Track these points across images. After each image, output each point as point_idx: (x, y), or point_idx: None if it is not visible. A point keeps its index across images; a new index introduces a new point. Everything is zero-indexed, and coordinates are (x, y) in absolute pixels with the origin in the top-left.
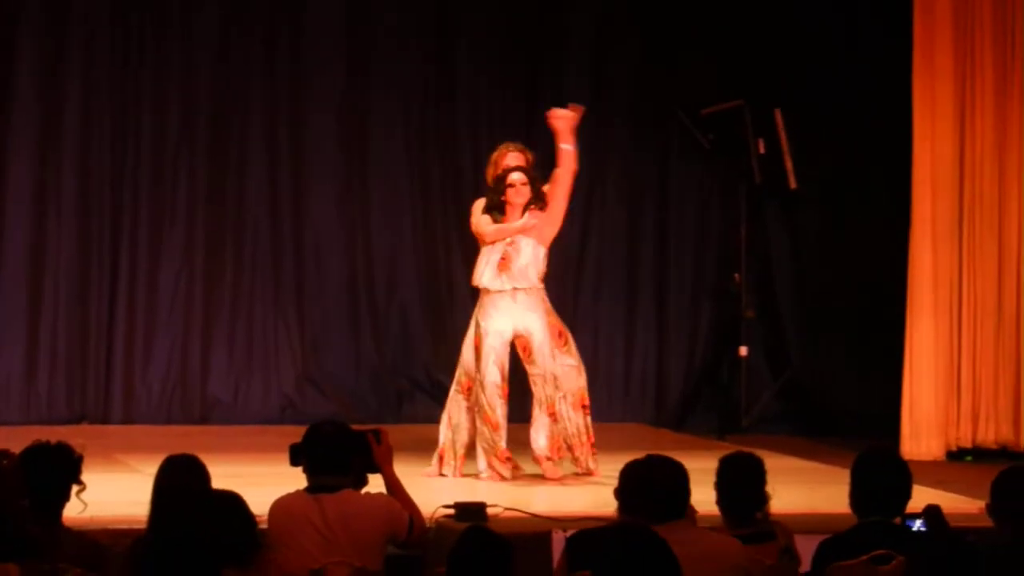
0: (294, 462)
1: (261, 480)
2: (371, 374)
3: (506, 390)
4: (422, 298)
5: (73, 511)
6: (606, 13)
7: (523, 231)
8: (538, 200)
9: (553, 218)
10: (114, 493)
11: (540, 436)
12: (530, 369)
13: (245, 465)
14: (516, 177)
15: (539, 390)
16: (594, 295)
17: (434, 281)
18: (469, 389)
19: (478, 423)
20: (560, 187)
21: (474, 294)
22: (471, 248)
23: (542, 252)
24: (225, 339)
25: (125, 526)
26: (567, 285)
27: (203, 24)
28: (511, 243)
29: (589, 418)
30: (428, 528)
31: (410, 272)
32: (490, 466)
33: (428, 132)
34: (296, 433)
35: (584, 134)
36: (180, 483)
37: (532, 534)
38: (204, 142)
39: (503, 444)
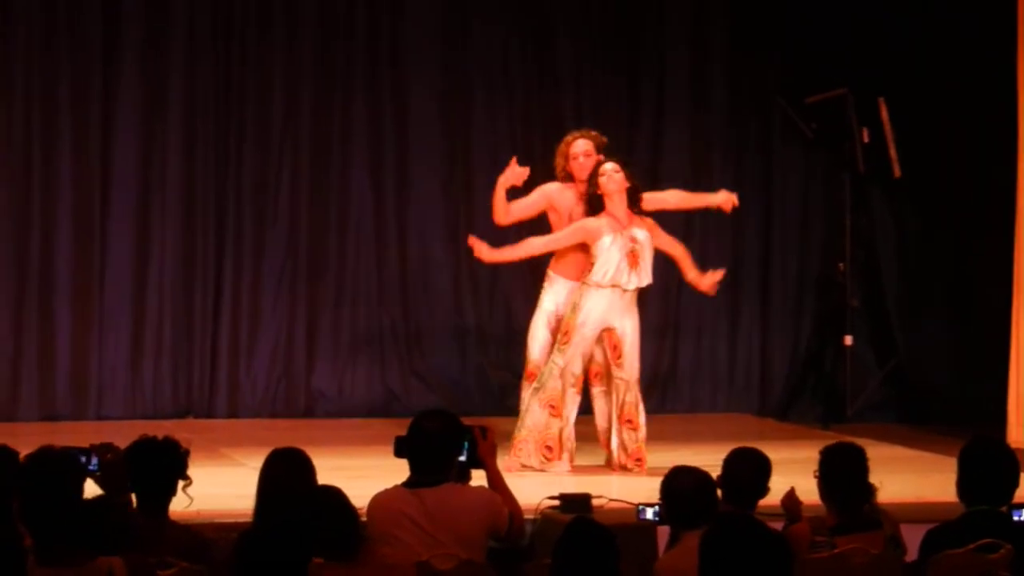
0: (398, 453)
1: (366, 473)
2: (475, 367)
3: (582, 381)
4: (525, 289)
5: (179, 505)
6: None
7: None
8: (634, 194)
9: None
10: (219, 487)
11: (616, 444)
12: (614, 371)
13: (350, 458)
14: (608, 167)
15: (619, 395)
16: None
17: (537, 272)
18: (532, 375)
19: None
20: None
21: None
22: None
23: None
24: (329, 332)
25: (231, 520)
26: (672, 275)
27: (304, 16)
28: (633, 239)
29: (636, 432)
30: (526, 523)
31: (513, 264)
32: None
33: (532, 119)
34: (400, 426)
35: (687, 124)
36: (286, 477)
37: (636, 525)
38: (307, 136)
39: (566, 432)
